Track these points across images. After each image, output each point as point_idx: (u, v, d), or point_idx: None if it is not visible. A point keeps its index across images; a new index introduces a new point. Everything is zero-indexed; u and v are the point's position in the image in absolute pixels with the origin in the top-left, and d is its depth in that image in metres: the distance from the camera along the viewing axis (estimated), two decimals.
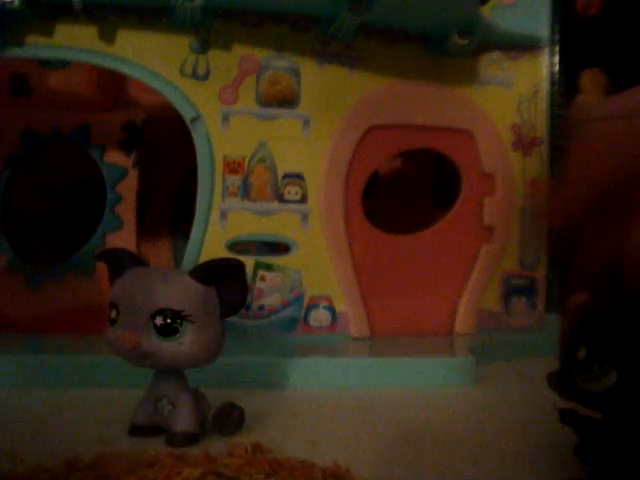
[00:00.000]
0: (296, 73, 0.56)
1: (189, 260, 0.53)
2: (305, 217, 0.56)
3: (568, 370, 0.25)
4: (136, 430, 0.33)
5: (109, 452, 0.29)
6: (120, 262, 0.34)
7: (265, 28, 0.55)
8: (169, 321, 0.31)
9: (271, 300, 0.56)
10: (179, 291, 0.31)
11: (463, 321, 0.60)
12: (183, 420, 0.32)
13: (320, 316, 0.57)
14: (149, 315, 0.31)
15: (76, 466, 0.27)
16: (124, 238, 0.59)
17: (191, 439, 0.32)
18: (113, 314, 0.32)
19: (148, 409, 0.33)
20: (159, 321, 0.31)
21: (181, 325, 0.31)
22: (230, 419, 0.34)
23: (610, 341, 0.23)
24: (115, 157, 0.59)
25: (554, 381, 0.27)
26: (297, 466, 0.28)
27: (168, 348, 0.31)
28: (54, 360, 0.44)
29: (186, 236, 0.55)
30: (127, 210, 0.59)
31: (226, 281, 0.33)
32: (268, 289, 0.56)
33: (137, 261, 0.34)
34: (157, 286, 0.31)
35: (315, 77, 0.56)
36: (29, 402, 0.40)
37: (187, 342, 0.31)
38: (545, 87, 0.64)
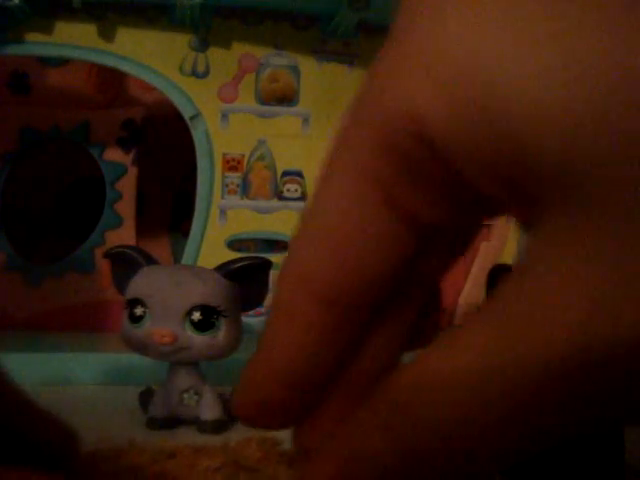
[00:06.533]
0: (295, 71, 0.56)
1: (188, 258, 0.53)
2: None
3: None
4: (154, 423, 0.34)
5: (126, 445, 0.29)
6: (132, 260, 0.34)
7: (264, 26, 0.55)
8: (206, 316, 0.32)
9: (271, 297, 0.56)
10: (214, 287, 0.32)
11: (462, 318, 0.60)
12: (212, 408, 0.34)
13: None
14: (185, 311, 0.32)
15: (97, 459, 0.27)
16: (123, 236, 0.59)
17: (222, 426, 0.33)
18: (138, 311, 0.32)
19: (168, 402, 0.34)
20: (196, 316, 0.32)
21: (217, 320, 0.32)
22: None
23: None
24: (114, 155, 0.59)
25: None
26: None
27: (203, 342, 0.32)
28: (54, 358, 0.44)
29: (185, 234, 0.55)
30: (126, 208, 0.59)
31: (252, 279, 0.34)
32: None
33: (150, 259, 0.34)
34: (192, 282, 0.32)
35: (314, 75, 0.56)
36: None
37: (221, 336, 0.33)
38: None
